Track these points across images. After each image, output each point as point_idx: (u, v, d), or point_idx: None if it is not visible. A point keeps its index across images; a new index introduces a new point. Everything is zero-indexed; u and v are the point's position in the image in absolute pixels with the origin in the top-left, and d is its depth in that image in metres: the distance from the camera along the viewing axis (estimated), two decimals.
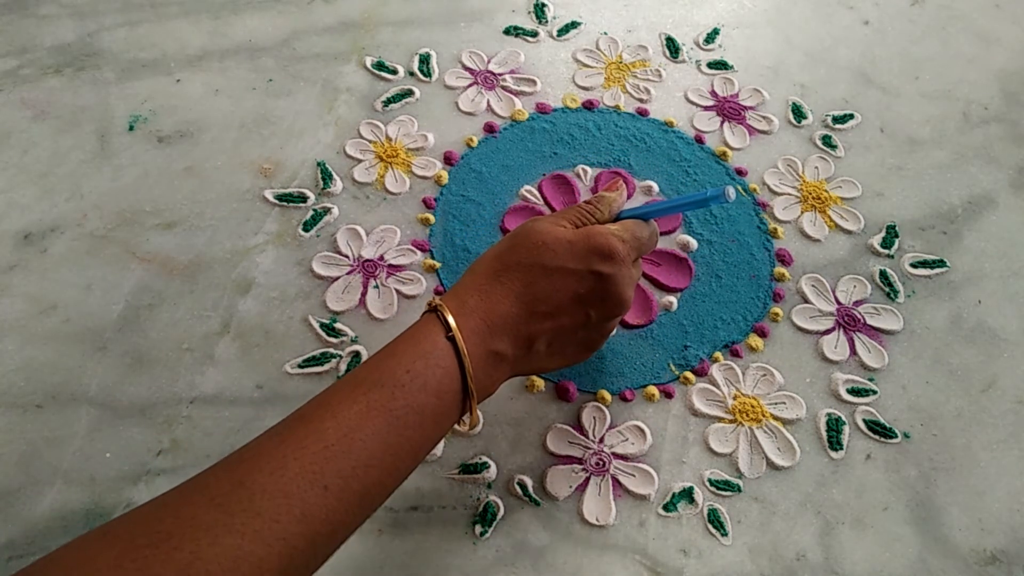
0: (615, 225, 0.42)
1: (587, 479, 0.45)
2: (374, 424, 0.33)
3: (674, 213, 0.41)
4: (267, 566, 0.29)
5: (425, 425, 0.35)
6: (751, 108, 0.62)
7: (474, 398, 0.37)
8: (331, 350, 0.48)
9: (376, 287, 0.51)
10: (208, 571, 0.28)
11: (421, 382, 0.35)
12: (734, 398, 0.48)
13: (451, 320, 0.37)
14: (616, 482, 0.45)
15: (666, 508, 0.44)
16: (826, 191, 0.58)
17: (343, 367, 0.47)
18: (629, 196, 0.56)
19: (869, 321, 0.52)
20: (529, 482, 0.45)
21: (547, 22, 0.66)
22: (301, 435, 0.33)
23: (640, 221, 0.43)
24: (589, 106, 0.61)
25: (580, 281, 0.39)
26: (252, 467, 0.31)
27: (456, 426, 0.42)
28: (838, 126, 0.62)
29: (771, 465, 0.46)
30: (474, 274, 0.40)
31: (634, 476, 0.45)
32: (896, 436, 0.48)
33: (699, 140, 0.60)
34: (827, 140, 0.61)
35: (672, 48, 0.65)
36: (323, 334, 0.48)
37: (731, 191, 0.39)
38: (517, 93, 0.61)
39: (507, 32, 0.65)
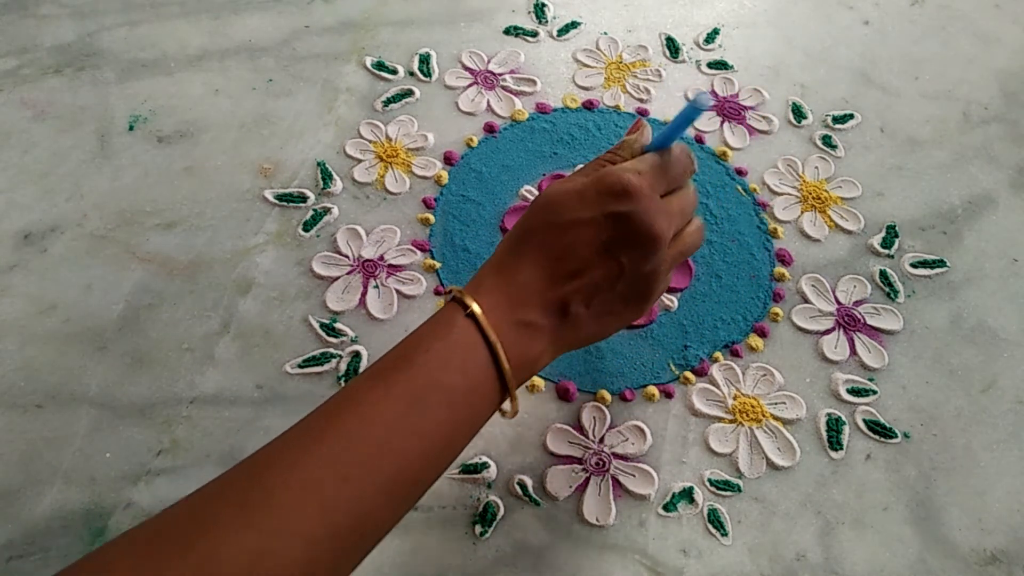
0: (629, 162, 0.37)
1: (587, 479, 0.45)
2: (395, 407, 0.32)
3: (681, 132, 0.38)
4: (288, 563, 0.28)
5: (455, 405, 0.33)
6: (751, 108, 0.62)
7: (508, 373, 0.34)
8: (331, 350, 0.48)
9: (376, 287, 0.51)
10: (222, 572, 0.27)
11: (442, 360, 0.33)
12: (734, 398, 0.48)
13: (467, 299, 0.35)
14: (616, 482, 0.45)
15: (666, 508, 0.44)
16: (826, 191, 0.58)
17: (343, 367, 0.47)
18: None
19: (869, 321, 0.52)
20: (529, 482, 0.45)
21: (547, 22, 0.66)
22: (320, 428, 0.31)
23: (661, 150, 0.38)
24: (589, 106, 0.61)
25: (599, 228, 0.36)
26: (270, 462, 0.30)
27: (500, 413, 0.40)
28: (838, 126, 0.62)
29: (771, 465, 0.46)
30: (493, 255, 0.38)
31: (634, 476, 0.45)
32: (896, 436, 0.48)
33: (699, 140, 0.60)
34: (827, 140, 0.61)
35: (672, 48, 0.65)
36: (323, 334, 0.48)
37: (703, 98, 0.35)
38: (517, 93, 0.61)
39: (507, 32, 0.65)
